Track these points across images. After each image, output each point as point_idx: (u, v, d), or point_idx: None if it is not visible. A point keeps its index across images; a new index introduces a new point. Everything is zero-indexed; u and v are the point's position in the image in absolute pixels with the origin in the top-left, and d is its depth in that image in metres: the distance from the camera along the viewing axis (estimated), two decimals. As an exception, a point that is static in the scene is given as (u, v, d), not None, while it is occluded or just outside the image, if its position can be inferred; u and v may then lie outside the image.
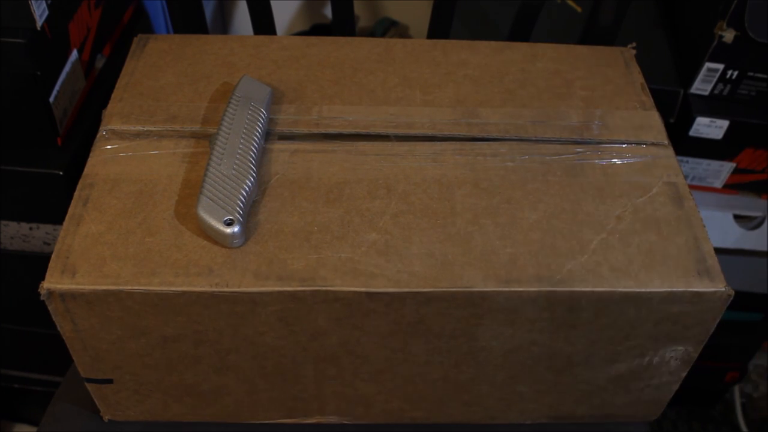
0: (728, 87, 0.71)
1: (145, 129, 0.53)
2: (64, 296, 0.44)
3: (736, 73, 0.70)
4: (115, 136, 0.53)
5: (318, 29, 1.09)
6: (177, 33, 0.67)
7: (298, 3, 1.11)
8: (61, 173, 0.65)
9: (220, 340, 0.47)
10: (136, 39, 0.61)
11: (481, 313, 0.46)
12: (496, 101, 0.56)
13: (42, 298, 0.44)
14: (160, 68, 0.58)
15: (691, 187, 0.78)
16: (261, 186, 0.50)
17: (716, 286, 0.46)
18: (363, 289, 0.44)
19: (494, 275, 0.45)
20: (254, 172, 0.48)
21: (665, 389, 0.54)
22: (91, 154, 0.52)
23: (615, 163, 0.52)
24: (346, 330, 0.47)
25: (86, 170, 0.50)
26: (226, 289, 0.44)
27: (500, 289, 0.45)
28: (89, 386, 0.52)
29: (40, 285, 0.44)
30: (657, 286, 0.45)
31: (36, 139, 0.66)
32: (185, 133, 0.53)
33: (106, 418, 0.56)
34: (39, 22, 0.59)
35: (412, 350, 0.49)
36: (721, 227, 0.80)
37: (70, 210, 0.48)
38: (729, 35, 0.67)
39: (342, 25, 0.74)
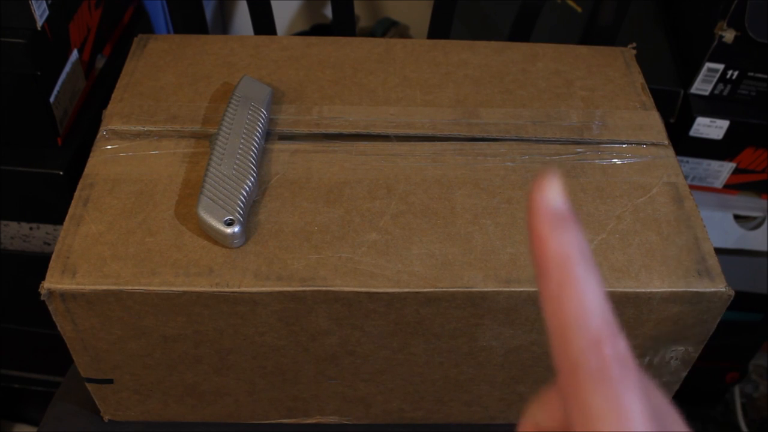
0: (728, 87, 0.71)
1: (145, 129, 0.53)
2: (64, 296, 0.44)
3: (736, 73, 0.70)
4: (115, 136, 0.53)
5: (318, 29, 1.09)
6: (177, 33, 0.67)
7: (298, 3, 1.11)
8: (61, 173, 0.65)
9: (221, 340, 0.47)
10: (136, 39, 0.61)
11: (481, 313, 0.46)
12: (496, 101, 0.56)
13: (42, 298, 0.44)
14: (160, 68, 0.58)
15: (691, 187, 0.78)
16: (261, 186, 0.50)
17: (716, 286, 0.46)
18: (363, 289, 0.45)
19: (494, 275, 0.45)
20: (254, 172, 0.48)
21: (665, 390, 0.54)
22: (91, 154, 0.52)
23: (615, 163, 0.52)
24: (346, 330, 0.47)
25: (86, 170, 0.50)
26: (226, 289, 0.44)
27: (500, 289, 0.45)
28: (89, 386, 0.52)
29: (41, 285, 0.44)
30: (657, 286, 0.45)
31: (36, 139, 0.66)
32: (185, 133, 0.53)
33: (106, 418, 0.56)
34: (39, 22, 0.59)
35: (412, 350, 0.49)
36: (721, 227, 0.80)
37: (71, 210, 0.48)
38: (729, 35, 0.67)
39: (342, 25, 0.74)
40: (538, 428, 0.25)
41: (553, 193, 0.20)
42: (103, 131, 0.53)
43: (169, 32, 0.89)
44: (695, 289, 0.46)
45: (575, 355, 0.20)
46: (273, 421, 0.56)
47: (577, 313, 0.20)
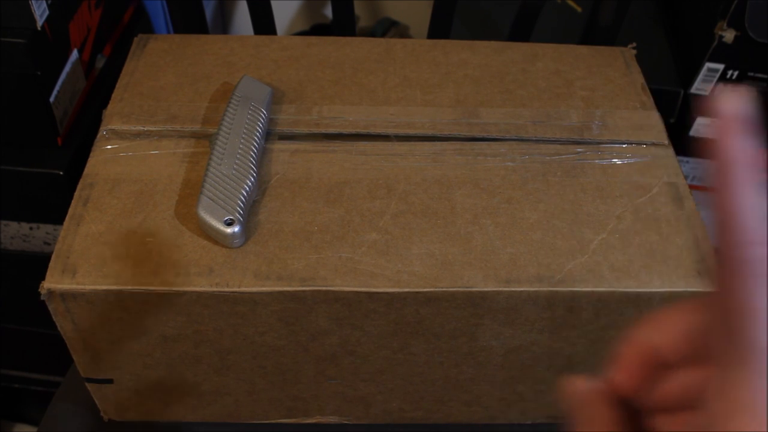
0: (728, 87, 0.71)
1: (145, 129, 0.53)
2: (64, 296, 0.44)
3: (736, 73, 0.70)
4: (115, 136, 0.53)
5: (318, 29, 1.09)
6: (177, 33, 0.67)
7: (298, 3, 1.11)
8: (61, 173, 0.65)
9: (220, 340, 0.47)
10: (136, 39, 0.61)
11: (481, 313, 0.46)
12: (496, 101, 0.56)
13: (42, 298, 0.44)
14: (160, 68, 0.58)
15: (691, 187, 0.78)
16: (261, 186, 0.50)
17: (716, 286, 0.46)
18: (363, 289, 0.45)
19: (494, 275, 0.45)
20: (254, 172, 0.48)
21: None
22: (91, 154, 0.52)
23: (615, 163, 0.52)
24: (346, 330, 0.47)
25: (86, 170, 0.50)
26: (226, 289, 0.44)
27: (500, 289, 0.45)
28: (89, 386, 0.52)
29: (41, 285, 0.44)
30: (657, 286, 0.45)
31: (36, 139, 0.66)
32: (185, 133, 0.53)
33: (106, 418, 0.56)
34: (39, 22, 0.59)
35: (412, 350, 0.49)
36: (721, 227, 0.80)
37: (71, 210, 0.48)
38: (729, 35, 0.67)
39: (342, 25, 0.74)
40: (648, 348, 0.26)
41: (736, 103, 0.23)
42: (103, 131, 0.53)
43: (169, 32, 0.89)
44: (695, 289, 0.46)
45: (733, 248, 0.23)
46: (273, 421, 0.56)
47: (739, 211, 0.22)
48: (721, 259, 0.23)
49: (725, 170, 0.23)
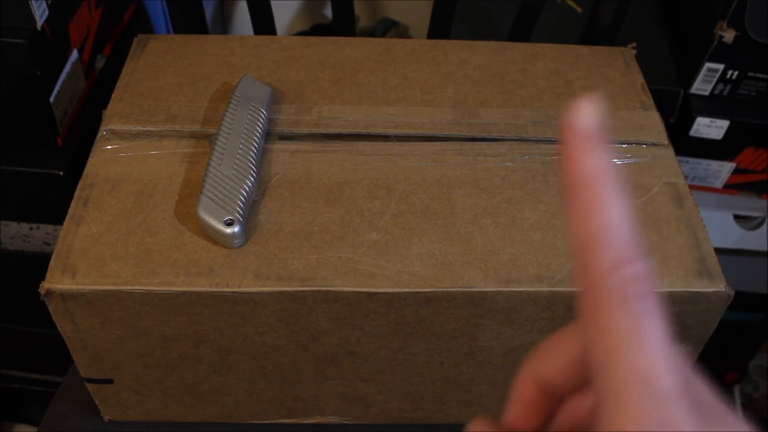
0: (728, 87, 0.71)
1: (145, 129, 0.53)
2: (64, 296, 0.44)
3: (736, 73, 0.70)
4: (115, 136, 0.53)
5: (318, 29, 1.09)
6: (177, 33, 0.67)
7: (298, 3, 1.11)
8: (61, 173, 0.65)
9: (220, 340, 0.47)
10: (136, 39, 0.61)
11: (481, 313, 0.46)
12: (496, 101, 0.56)
13: (42, 298, 0.44)
14: (160, 68, 0.58)
15: (691, 187, 0.78)
16: (261, 186, 0.50)
17: (716, 286, 0.46)
18: (363, 289, 0.45)
19: (494, 275, 0.45)
20: (254, 172, 0.48)
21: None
22: (91, 154, 0.52)
23: (615, 163, 0.52)
24: (346, 330, 0.47)
25: (86, 170, 0.50)
26: (226, 289, 0.44)
27: (500, 289, 0.45)
28: (89, 386, 0.52)
29: (40, 285, 0.44)
30: (657, 286, 0.45)
31: (36, 139, 0.66)
32: (185, 133, 0.53)
33: (106, 418, 0.56)
34: (39, 22, 0.59)
35: (412, 350, 0.49)
36: (721, 227, 0.80)
37: (71, 210, 0.48)
38: (729, 35, 0.67)
39: (342, 25, 0.74)
40: (540, 382, 0.24)
41: (585, 116, 0.21)
42: (103, 131, 0.53)
43: (169, 32, 0.89)
44: (695, 289, 0.46)
45: (596, 275, 0.20)
46: (273, 421, 0.56)
47: (601, 232, 0.20)
48: (589, 285, 0.20)
49: (584, 188, 0.20)
